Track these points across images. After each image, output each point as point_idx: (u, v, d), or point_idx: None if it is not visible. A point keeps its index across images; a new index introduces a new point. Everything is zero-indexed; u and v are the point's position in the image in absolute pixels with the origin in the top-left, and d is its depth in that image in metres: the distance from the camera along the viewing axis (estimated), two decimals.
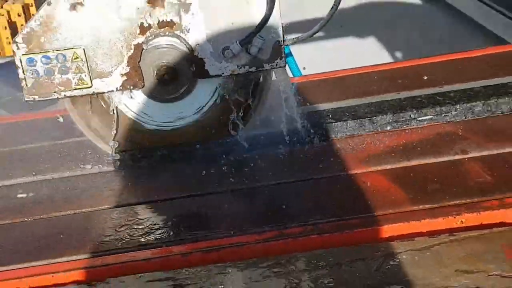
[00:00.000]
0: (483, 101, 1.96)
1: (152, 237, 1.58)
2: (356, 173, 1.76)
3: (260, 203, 1.73)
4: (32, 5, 4.53)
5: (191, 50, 1.78)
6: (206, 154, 1.93)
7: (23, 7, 4.52)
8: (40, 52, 1.74)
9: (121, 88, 1.81)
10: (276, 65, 1.81)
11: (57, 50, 1.75)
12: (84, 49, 1.75)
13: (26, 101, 1.81)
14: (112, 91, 1.82)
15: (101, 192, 1.83)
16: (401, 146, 1.86)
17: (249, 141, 1.92)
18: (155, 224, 1.63)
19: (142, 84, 1.82)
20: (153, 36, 1.77)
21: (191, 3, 1.73)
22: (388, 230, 1.50)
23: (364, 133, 1.95)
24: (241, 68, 1.81)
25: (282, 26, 1.78)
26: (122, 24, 1.74)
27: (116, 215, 1.70)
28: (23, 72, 1.76)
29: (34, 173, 1.95)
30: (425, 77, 2.16)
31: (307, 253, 1.45)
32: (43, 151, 2.06)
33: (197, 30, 1.76)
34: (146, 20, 1.75)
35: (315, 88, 2.25)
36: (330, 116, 2.00)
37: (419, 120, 1.95)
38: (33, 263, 1.52)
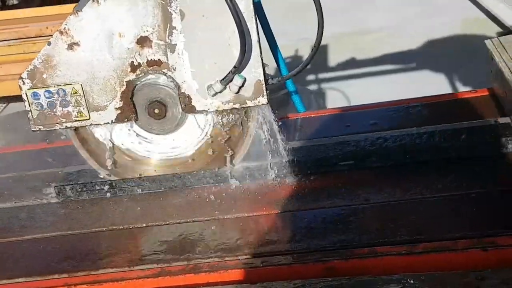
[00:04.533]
0: None
1: None
2: None
3: None
4: None
5: (178, 87, 1.90)
6: None
7: None
8: (43, 87, 1.92)
9: (115, 120, 1.95)
10: (259, 102, 1.89)
11: (58, 86, 1.92)
12: (81, 84, 1.92)
13: (33, 130, 1.99)
14: (108, 123, 1.97)
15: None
16: None
17: None
18: None
19: (135, 117, 1.96)
20: (143, 73, 1.90)
21: (176, 44, 1.85)
22: None
23: None
24: (225, 104, 1.90)
25: (263, 66, 1.86)
26: (114, 62, 1.89)
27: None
28: (29, 105, 1.94)
29: None
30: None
31: None
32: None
33: (183, 69, 1.87)
34: (136, 59, 1.89)
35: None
36: None
37: None
38: None
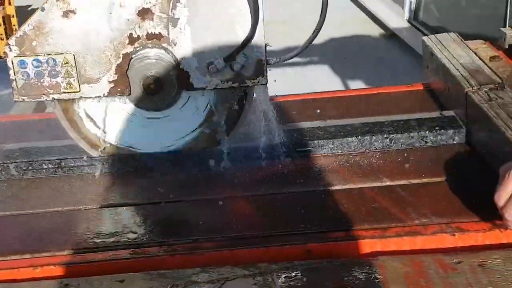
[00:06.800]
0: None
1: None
2: None
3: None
4: None
5: (177, 63, 1.85)
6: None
7: None
8: (32, 55, 1.81)
9: (108, 94, 1.88)
10: (258, 82, 1.88)
11: (48, 55, 1.82)
12: (74, 55, 1.82)
13: (15, 101, 1.88)
14: (99, 96, 1.89)
15: None
16: None
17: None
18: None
19: (129, 92, 1.89)
20: (141, 47, 1.84)
21: (179, 18, 1.80)
22: None
23: None
24: (224, 83, 1.88)
25: (266, 46, 1.85)
26: (112, 33, 1.81)
27: None
28: (14, 73, 1.83)
29: None
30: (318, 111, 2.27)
31: None
32: None
33: (183, 44, 1.83)
34: (135, 31, 1.82)
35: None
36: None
37: None
38: None
